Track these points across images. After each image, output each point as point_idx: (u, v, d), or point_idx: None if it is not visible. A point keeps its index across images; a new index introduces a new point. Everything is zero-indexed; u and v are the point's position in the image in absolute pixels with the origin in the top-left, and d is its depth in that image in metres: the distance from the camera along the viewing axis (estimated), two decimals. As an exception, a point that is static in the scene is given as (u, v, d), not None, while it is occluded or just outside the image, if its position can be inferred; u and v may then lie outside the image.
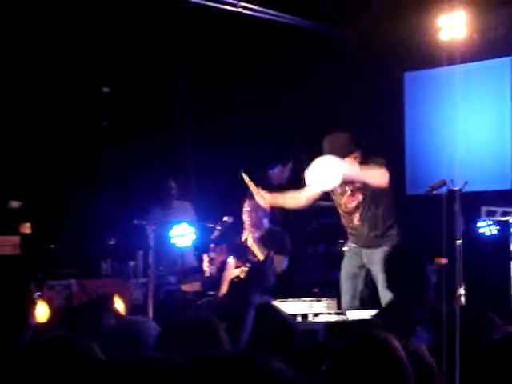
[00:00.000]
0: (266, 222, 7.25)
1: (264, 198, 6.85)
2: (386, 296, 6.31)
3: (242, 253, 7.20)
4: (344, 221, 6.90)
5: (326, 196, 6.90)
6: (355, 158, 6.55)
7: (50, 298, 7.41)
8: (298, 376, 1.42)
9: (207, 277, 7.58)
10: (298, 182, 7.15)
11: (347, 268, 6.80)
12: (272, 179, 8.29)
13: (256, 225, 7.19)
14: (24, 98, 9.21)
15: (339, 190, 6.74)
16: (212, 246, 7.40)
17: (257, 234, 7.20)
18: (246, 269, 6.90)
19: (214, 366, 1.43)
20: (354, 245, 6.85)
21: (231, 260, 7.19)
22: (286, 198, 6.95)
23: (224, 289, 7.09)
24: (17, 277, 4.19)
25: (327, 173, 6.33)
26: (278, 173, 8.36)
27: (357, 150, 6.56)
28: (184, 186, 9.82)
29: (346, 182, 6.61)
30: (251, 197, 7.29)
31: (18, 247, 8.00)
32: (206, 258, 7.47)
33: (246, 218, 7.20)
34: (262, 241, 7.13)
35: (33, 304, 3.88)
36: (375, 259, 6.64)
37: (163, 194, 9.09)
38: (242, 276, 7.01)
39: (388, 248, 6.58)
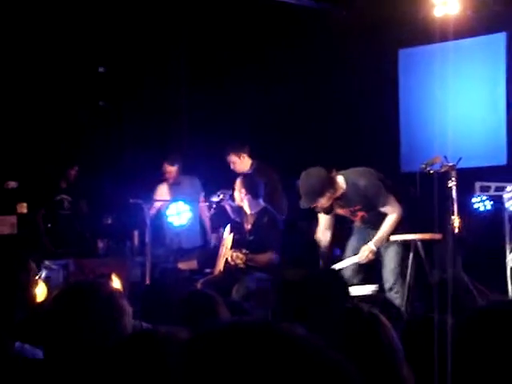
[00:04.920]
0: (260, 201, 7.20)
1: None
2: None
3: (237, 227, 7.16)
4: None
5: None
6: (330, 197, 6.24)
7: (47, 277, 7.43)
8: (321, 343, 1.39)
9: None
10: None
11: (354, 243, 6.63)
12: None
13: (249, 203, 7.14)
14: (19, 79, 9.21)
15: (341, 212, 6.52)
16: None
17: (251, 211, 7.15)
18: (242, 255, 6.81)
19: (238, 333, 1.38)
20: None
21: (228, 236, 7.13)
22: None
23: (220, 266, 7.05)
24: (16, 255, 4.20)
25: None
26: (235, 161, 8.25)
27: (331, 186, 6.19)
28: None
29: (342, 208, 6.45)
30: (243, 176, 7.27)
31: (15, 227, 8.04)
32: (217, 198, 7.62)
33: (238, 196, 7.14)
34: (255, 219, 7.09)
35: (33, 283, 3.90)
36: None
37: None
38: (237, 262, 6.86)
39: None
